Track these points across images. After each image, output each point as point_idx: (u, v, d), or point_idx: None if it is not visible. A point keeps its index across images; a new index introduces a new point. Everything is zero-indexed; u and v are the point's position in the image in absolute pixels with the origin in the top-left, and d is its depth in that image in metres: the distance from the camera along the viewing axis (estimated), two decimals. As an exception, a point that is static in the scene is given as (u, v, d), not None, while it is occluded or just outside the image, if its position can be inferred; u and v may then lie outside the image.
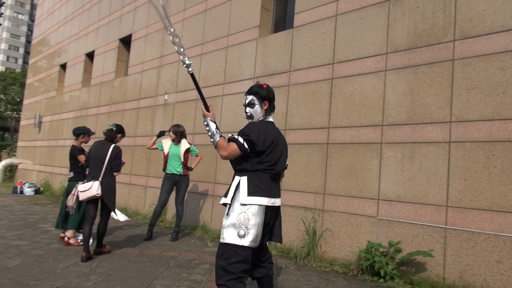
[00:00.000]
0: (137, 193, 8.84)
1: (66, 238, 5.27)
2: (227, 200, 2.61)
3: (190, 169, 6.10)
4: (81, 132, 5.53)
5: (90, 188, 4.45)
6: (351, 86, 5.14)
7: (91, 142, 5.92)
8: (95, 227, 4.96)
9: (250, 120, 2.78)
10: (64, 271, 4.04)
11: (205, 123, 2.71)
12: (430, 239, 4.20)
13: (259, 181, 2.60)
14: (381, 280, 4.28)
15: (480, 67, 4.09)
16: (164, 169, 6.08)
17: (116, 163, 4.77)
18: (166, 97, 8.35)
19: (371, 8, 5.08)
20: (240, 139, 2.57)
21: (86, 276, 3.93)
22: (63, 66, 13.94)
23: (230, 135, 2.66)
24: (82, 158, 5.35)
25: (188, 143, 6.18)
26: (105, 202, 4.62)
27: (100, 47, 11.43)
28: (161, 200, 6.01)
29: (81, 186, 4.54)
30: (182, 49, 2.74)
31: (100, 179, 4.55)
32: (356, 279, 4.41)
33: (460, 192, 4.05)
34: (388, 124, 4.73)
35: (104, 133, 4.91)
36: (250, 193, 2.55)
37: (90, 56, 12.18)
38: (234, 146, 2.57)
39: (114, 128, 4.90)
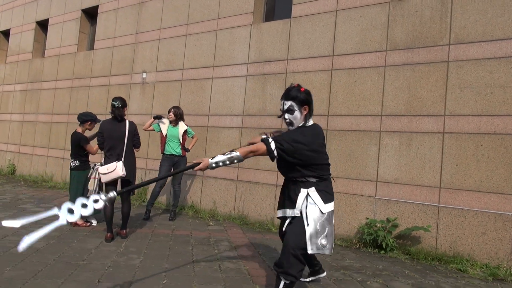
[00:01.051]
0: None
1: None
2: (296, 212, 2.67)
3: (188, 150, 6.22)
4: (89, 119, 5.26)
5: (115, 170, 4.44)
6: (351, 78, 5.62)
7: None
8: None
9: (289, 127, 2.75)
10: (100, 251, 4.11)
11: (214, 165, 2.60)
12: (425, 215, 4.91)
13: (326, 186, 2.73)
14: (383, 252, 4.93)
15: (471, 70, 4.78)
16: (163, 150, 6.13)
17: (137, 138, 4.82)
18: (144, 76, 8.19)
19: (372, 7, 5.55)
20: (272, 145, 2.57)
21: (126, 255, 4.03)
22: (5, 33, 12.68)
23: (264, 136, 2.74)
24: (91, 147, 5.17)
25: (185, 124, 6.27)
26: (127, 182, 4.65)
27: (56, 16, 10.63)
28: (160, 181, 6.08)
29: (103, 168, 4.49)
30: None
31: (123, 158, 4.56)
32: (360, 251, 5.01)
33: (452, 175, 4.77)
34: (386, 115, 5.30)
35: (111, 111, 4.80)
36: (326, 200, 2.67)
37: (43, 25, 11.26)
38: (263, 147, 2.58)
39: (120, 105, 4.78)
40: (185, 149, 6.17)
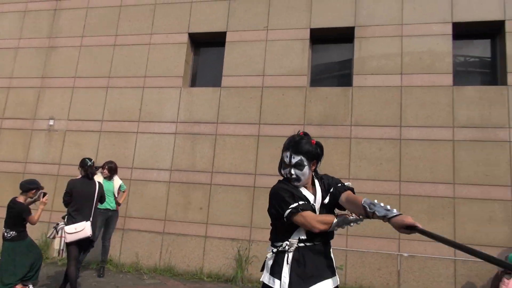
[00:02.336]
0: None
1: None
2: (338, 281, 2.43)
3: (119, 204, 6.32)
4: (34, 187, 4.93)
5: (84, 229, 4.45)
6: (275, 144, 6.77)
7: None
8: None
9: (295, 183, 2.41)
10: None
11: (340, 224, 2.23)
12: (336, 258, 6.17)
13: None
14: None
15: (367, 146, 6.46)
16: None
17: (103, 196, 4.94)
18: (51, 123, 7.82)
19: (292, 89, 6.92)
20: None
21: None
22: None
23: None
24: (33, 218, 4.80)
25: (119, 178, 6.39)
26: (88, 241, 4.64)
27: None
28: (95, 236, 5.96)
29: (70, 228, 4.44)
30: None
31: (91, 219, 4.59)
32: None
33: (356, 226, 6.21)
34: (305, 176, 6.56)
35: (85, 169, 4.84)
36: None
37: None
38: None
39: (93, 164, 4.90)
40: (117, 204, 6.26)
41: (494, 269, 5.60)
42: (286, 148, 2.47)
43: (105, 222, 6.14)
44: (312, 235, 2.32)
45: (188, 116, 7.26)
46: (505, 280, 5.14)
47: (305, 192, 2.45)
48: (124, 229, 7.06)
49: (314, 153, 2.42)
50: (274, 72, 7.04)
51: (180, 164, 7.08)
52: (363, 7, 6.93)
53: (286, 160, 2.43)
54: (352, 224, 2.25)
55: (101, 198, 4.96)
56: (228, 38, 7.40)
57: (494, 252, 5.70)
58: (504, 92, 6.16)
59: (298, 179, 2.40)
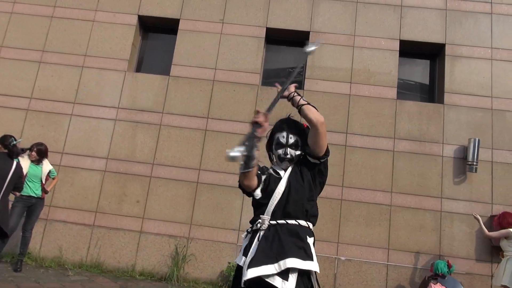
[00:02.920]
0: None
1: None
2: (314, 266, 2.22)
3: (47, 192, 5.69)
4: None
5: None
6: (223, 140, 6.58)
7: None
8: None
9: (288, 164, 2.38)
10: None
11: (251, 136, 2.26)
12: (276, 259, 6.14)
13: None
14: (245, 291, 5.84)
15: (313, 149, 6.53)
16: (19, 190, 5.39)
17: (21, 181, 4.33)
18: (-33, 95, 6.84)
19: (244, 86, 6.79)
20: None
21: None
22: None
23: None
24: None
25: (50, 164, 5.75)
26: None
27: None
28: (11, 225, 5.26)
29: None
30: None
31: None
32: (227, 292, 5.79)
33: (297, 227, 6.23)
34: (251, 175, 6.44)
35: (5, 146, 4.25)
36: None
37: None
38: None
39: (14, 143, 4.32)
40: (44, 191, 5.62)
41: (422, 274, 5.96)
42: (280, 128, 2.47)
43: (27, 210, 5.48)
44: (284, 213, 2.27)
45: (131, 103, 6.79)
46: (432, 285, 5.47)
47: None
48: (47, 220, 6.37)
49: (306, 136, 2.39)
50: (227, 66, 6.86)
51: (118, 153, 6.58)
52: (319, 14, 7.04)
53: (283, 140, 2.41)
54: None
55: (18, 184, 4.37)
56: (181, 26, 7.07)
57: (423, 259, 6.07)
58: (440, 110, 6.62)
59: (291, 159, 2.38)
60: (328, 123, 6.58)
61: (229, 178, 6.43)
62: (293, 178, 2.36)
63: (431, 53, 7.15)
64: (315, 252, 2.30)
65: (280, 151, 2.41)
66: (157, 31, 7.48)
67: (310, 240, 2.28)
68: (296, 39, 7.16)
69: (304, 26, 7.01)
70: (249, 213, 5.90)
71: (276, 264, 2.13)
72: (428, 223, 6.22)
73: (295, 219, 2.28)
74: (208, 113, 6.69)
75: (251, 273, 2.11)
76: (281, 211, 2.28)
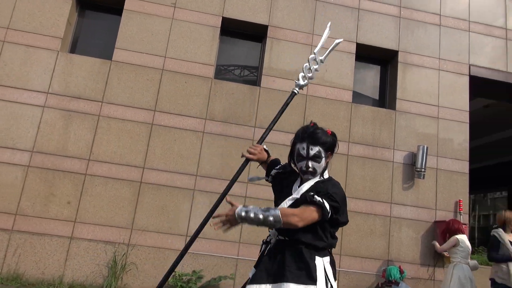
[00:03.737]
0: None
1: None
2: None
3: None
4: None
5: None
6: (172, 136, 5.97)
7: None
8: None
9: (309, 177, 2.21)
10: None
11: (243, 214, 2.00)
12: (226, 267, 5.72)
13: (332, 258, 2.20)
14: (193, 303, 5.34)
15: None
16: None
17: None
18: None
19: (197, 78, 6.22)
20: (326, 204, 2.02)
21: None
22: None
23: (311, 194, 2.07)
24: None
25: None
26: None
27: None
28: None
29: None
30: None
31: None
32: (173, 305, 5.22)
33: (249, 233, 5.87)
34: (201, 175, 5.94)
35: None
36: (335, 277, 2.12)
37: None
38: (313, 213, 2.02)
39: None
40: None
41: (373, 280, 5.95)
42: (301, 139, 2.24)
43: None
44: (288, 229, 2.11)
45: (64, 88, 5.87)
46: (385, 291, 5.46)
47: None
48: (-50, 223, 5.26)
49: (331, 144, 2.24)
50: (178, 55, 6.25)
51: (46, 145, 5.65)
52: (278, 9, 6.72)
53: (303, 152, 2.21)
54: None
55: None
56: (127, 5, 6.29)
57: (374, 264, 6.06)
58: (392, 116, 6.68)
59: (314, 172, 2.21)
60: (284, 123, 6.32)
61: (177, 179, 5.85)
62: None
63: (385, 59, 7.22)
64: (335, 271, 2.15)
65: (302, 164, 2.23)
66: (98, 9, 6.60)
67: (318, 261, 2.09)
68: (253, 33, 6.77)
69: (263, 19, 6.64)
70: (198, 217, 5.42)
71: (272, 285, 2.07)
72: (378, 228, 6.24)
73: (297, 235, 2.12)
74: (155, 105, 6.03)
75: None
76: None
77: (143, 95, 6.03)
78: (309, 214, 2.03)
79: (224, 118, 6.18)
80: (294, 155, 2.28)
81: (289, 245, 2.13)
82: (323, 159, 2.20)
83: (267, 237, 2.33)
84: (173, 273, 5.42)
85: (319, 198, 2.04)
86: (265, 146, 2.61)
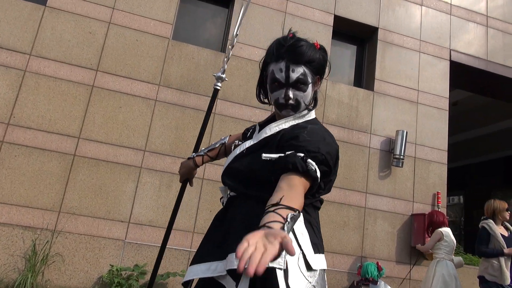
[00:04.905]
0: None
1: None
2: (280, 263, 1.20)
3: None
4: None
5: None
6: (117, 102, 4.95)
7: None
8: None
9: (290, 113, 1.48)
10: None
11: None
12: (176, 261, 4.77)
13: (317, 224, 1.49)
14: (132, 304, 4.33)
15: (231, 126, 5.33)
16: None
17: None
18: None
19: (151, 36, 5.25)
20: (312, 166, 1.25)
21: None
22: None
23: (301, 157, 1.27)
24: None
25: None
26: None
27: None
28: None
29: None
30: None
31: None
32: (107, 306, 4.20)
33: (205, 221, 4.95)
34: (150, 151, 4.96)
35: None
36: (316, 248, 1.41)
37: None
38: (304, 184, 1.25)
39: None
40: None
41: (345, 278, 5.22)
42: (276, 57, 1.46)
43: None
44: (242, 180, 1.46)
45: (-19, 34, 4.70)
46: (360, 290, 4.75)
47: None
48: None
49: (320, 63, 1.48)
50: (129, 8, 5.25)
51: (-50, 103, 4.46)
52: (250, -32, 5.89)
53: (280, 76, 1.44)
54: None
55: None
56: None
57: (346, 261, 5.34)
58: (370, 97, 6.04)
59: (297, 105, 1.48)
60: (245, 96, 5.49)
61: (121, 153, 4.84)
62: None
63: (363, 37, 6.58)
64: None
65: (278, 94, 1.47)
66: None
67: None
68: (220, -7, 5.91)
69: (231, -22, 5.79)
70: (145, 200, 4.44)
71: (218, 263, 1.37)
72: (352, 221, 5.53)
73: (259, 191, 1.37)
74: (98, 64, 4.98)
75: (189, 274, 1.45)
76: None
77: (83, 51, 4.96)
78: (302, 190, 1.24)
79: (181, 85, 5.24)
80: (266, 82, 1.52)
81: (242, 202, 1.44)
82: (310, 85, 1.47)
83: (221, 198, 1.60)
84: (110, 266, 4.44)
85: (314, 166, 1.26)
86: (201, 151, 1.92)
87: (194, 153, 1.94)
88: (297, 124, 1.46)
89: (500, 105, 9.86)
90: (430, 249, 4.73)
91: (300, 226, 1.37)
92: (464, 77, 6.95)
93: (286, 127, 1.47)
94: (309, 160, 1.26)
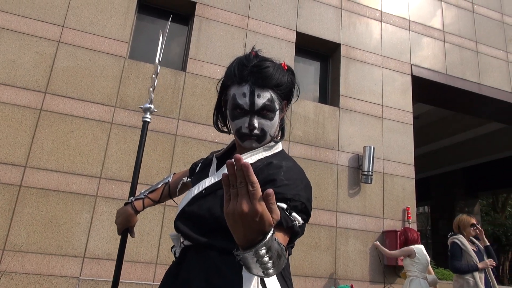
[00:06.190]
0: None
1: None
2: None
3: None
4: None
5: None
6: (68, 126, 4.57)
7: None
8: None
9: (253, 145, 1.26)
10: None
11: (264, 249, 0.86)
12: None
13: (289, 274, 1.27)
14: None
15: (194, 147, 5.07)
16: None
17: None
18: None
19: (105, 55, 4.94)
20: (297, 221, 1.08)
21: None
22: None
23: (286, 210, 1.09)
24: None
25: None
26: None
27: None
28: None
29: None
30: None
31: None
32: None
33: (169, 251, 4.61)
34: (107, 178, 4.59)
35: None
36: None
37: None
38: (286, 239, 1.07)
39: None
40: None
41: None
42: (239, 79, 1.23)
43: None
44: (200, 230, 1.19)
45: None
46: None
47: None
48: None
49: (290, 86, 1.28)
50: (81, 26, 4.93)
51: None
52: (209, -15, 5.74)
53: (243, 101, 1.22)
54: None
55: None
56: (13, -41, 4.87)
57: (319, 284, 5.12)
58: (336, 114, 5.95)
59: (263, 135, 1.25)
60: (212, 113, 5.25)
61: (73, 182, 4.45)
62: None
63: (326, 53, 6.54)
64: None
65: (241, 123, 1.25)
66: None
67: (247, 274, 1.10)
68: (177, 10, 5.69)
69: (190, -5, 5.61)
70: (101, 231, 4.07)
71: None
72: (323, 241, 5.34)
73: (223, 240, 1.12)
74: (46, 86, 4.60)
75: None
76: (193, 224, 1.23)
77: (30, 72, 4.58)
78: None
79: (138, 106, 4.93)
80: (225, 109, 1.32)
81: (199, 254, 1.19)
82: (277, 112, 1.25)
83: (172, 247, 1.38)
84: (61, 309, 4.00)
85: (298, 219, 1.09)
86: (141, 193, 1.64)
87: (132, 197, 1.61)
88: (271, 162, 1.22)
89: (459, 118, 10.13)
90: (393, 257, 4.63)
91: (273, 281, 1.16)
92: (425, 91, 7.04)
93: (254, 161, 1.24)
94: (294, 214, 1.09)
